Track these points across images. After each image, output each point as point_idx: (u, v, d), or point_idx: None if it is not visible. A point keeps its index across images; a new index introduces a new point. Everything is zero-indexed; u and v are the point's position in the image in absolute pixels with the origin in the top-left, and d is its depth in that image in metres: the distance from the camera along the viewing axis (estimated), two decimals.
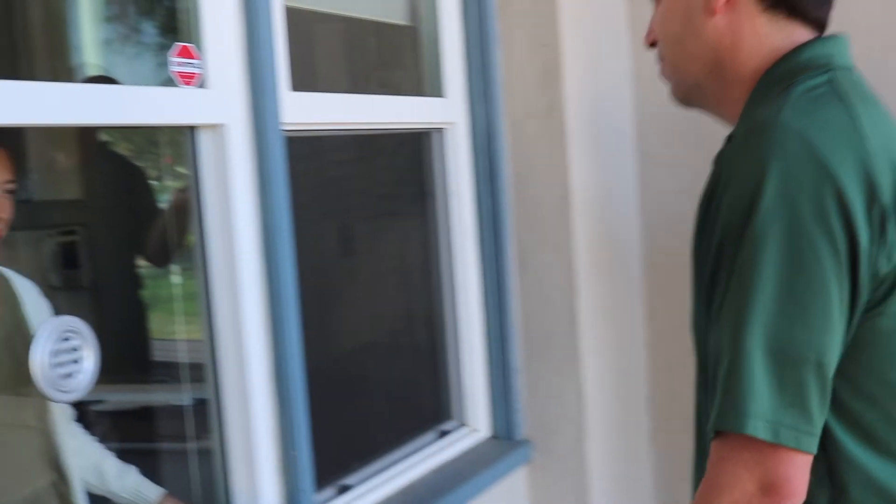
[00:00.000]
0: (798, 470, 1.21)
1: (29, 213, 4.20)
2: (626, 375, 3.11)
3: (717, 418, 1.23)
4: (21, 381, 1.93)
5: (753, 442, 1.21)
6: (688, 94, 1.45)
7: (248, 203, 2.14)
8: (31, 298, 2.21)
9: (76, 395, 1.96)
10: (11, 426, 2.11)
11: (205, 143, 2.12)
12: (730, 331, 1.23)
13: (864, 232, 1.21)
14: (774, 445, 1.20)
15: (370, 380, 2.73)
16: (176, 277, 3.21)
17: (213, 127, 2.11)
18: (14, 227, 4.41)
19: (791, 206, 1.20)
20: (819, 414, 1.23)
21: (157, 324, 3.77)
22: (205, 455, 2.30)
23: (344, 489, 2.51)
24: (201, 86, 2.06)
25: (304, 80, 2.37)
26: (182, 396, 2.63)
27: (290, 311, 2.18)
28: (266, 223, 2.16)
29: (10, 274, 2.21)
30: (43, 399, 1.98)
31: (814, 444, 1.23)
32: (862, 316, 1.26)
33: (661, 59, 1.50)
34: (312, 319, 2.37)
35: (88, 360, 1.97)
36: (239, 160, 2.13)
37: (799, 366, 1.21)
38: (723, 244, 1.26)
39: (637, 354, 3.14)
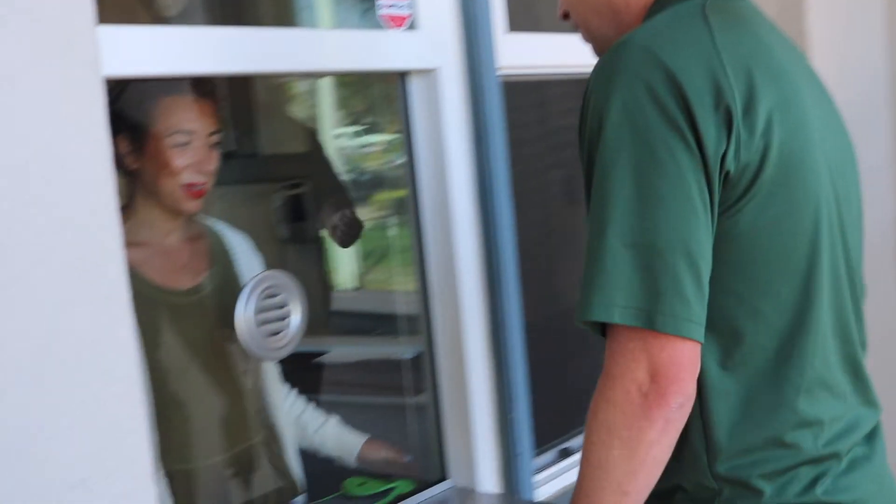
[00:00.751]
0: (683, 356, 1.23)
1: (258, 167, 4.28)
2: None
3: (580, 310, 1.25)
4: (231, 337, 1.91)
5: (637, 331, 1.23)
6: (603, 50, 1.45)
7: (462, 152, 2.06)
8: (243, 253, 2.19)
9: (281, 354, 1.93)
10: (223, 384, 2.11)
11: (416, 90, 2.04)
12: (593, 232, 1.26)
13: (710, 130, 1.23)
14: (655, 333, 1.22)
15: (592, 337, 2.59)
16: (393, 229, 3.18)
17: (424, 72, 2.03)
18: (244, 180, 4.50)
19: (639, 109, 1.24)
20: (697, 302, 1.24)
21: (375, 275, 3.76)
22: (421, 411, 2.25)
23: (565, 453, 2.42)
24: (411, 28, 1.97)
25: (523, 19, 2.26)
26: (400, 350, 2.58)
27: (508, 265, 2.08)
28: (482, 173, 2.06)
29: (221, 228, 2.20)
30: (252, 357, 1.95)
31: (696, 331, 1.23)
32: (721, 215, 1.27)
33: (576, 26, 1.56)
34: (532, 273, 2.26)
35: (295, 317, 1.92)
36: (452, 107, 2.04)
37: (665, 254, 1.22)
38: (589, 156, 1.31)
39: None
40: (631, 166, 1.24)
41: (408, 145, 2.07)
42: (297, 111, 4.49)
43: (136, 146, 1.99)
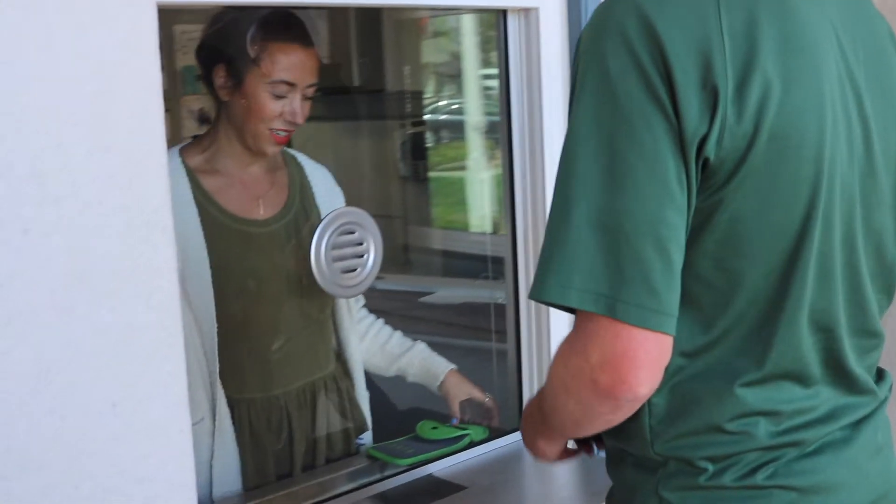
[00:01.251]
0: (641, 349, 1.14)
1: (382, 104, 4.29)
2: None
3: (535, 288, 1.17)
4: (305, 270, 1.90)
5: (596, 316, 1.14)
6: None
7: (559, 94, 1.99)
8: (323, 186, 2.18)
9: (354, 292, 1.91)
10: (294, 316, 2.11)
11: (514, 29, 1.98)
12: (557, 205, 1.17)
13: (692, 110, 1.12)
14: (613, 321, 1.13)
15: None
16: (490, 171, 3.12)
17: (524, 11, 1.96)
18: (370, 116, 4.50)
19: (621, 76, 1.14)
20: (667, 291, 1.13)
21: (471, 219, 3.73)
22: (502, 356, 2.21)
23: None
24: None
25: None
26: (492, 294, 2.55)
27: None
28: None
29: (303, 160, 2.19)
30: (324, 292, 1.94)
31: (664, 323, 1.13)
32: (698, 202, 1.16)
33: None
34: None
35: (371, 255, 1.90)
36: (552, 47, 1.98)
37: (634, 239, 1.12)
38: (568, 112, 1.22)
39: None
40: (606, 139, 1.14)
41: (504, 86, 2.01)
42: (442, 50, 4.46)
43: (234, 82, 1.99)
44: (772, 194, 1.17)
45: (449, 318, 3.30)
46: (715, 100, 1.12)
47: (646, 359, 1.15)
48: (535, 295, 1.18)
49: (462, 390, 2.21)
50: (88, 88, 1.15)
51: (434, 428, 2.08)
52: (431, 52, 4.55)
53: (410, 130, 4.36)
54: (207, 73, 2.04)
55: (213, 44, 2.06)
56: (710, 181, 1.16)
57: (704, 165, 1.14)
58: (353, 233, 1.89)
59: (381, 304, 3.03)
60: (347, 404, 2.21)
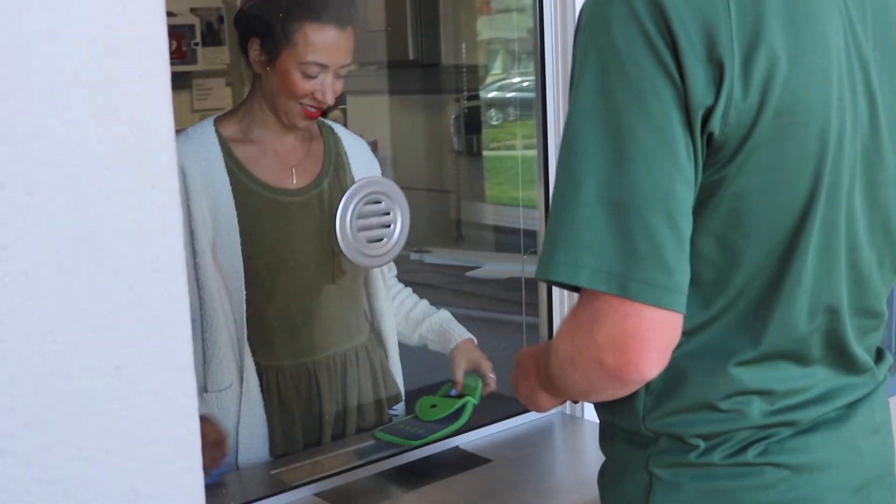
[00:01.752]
0: (653, 328, 1.11)
1: (436, 78, 4.27)
2: None
3: (543, 266, 1.15)
4: (336, 240, 1.90)
5: (605, 295, 1.11)
6: None
7: None
8: (360, 156, 2.18)
9: (381, 261, 1.91)
10: (325, 284, 2.12)
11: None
12: (564, 179, 1.14)
13: (699, 83, 1.09)
14: (624, 300, 1.10)
15: None
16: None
17: None
18: (423, 90, 4.50)
19: (628, 45, 1.10)
20: (679, 268, 1.11)
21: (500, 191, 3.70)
22: (533, 329, 2.20)
23: None
24: None
25: None
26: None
27: None
28: None
29: (340, 130, 2.20)
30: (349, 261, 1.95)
31: (676, 301, 1.11)
32: (703, 178, 1.14)
33: None
34: None
35: (398, 225, 1.89)
36: None
37: (645, 214, 1.09)
38: (571, 83, 1.18)
39: None
40: (612, 110, 1.11)
41: (539, 59, 1.99)
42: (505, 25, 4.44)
43: (267, 57, 2.00)
44: (776, 171, 1.14)
45: (495, 292, 3.28)
46: (721, 73, 1.10)
47: (657, 340, 1.13)
48: (542, 274, 1.16)
49: (469, 359, 2.19)
50: (94, 50, 1.15)
51: (433, 406, 2.06)
52: (500, 28, 4.52)
53: (465, 105, 4.34)
54: (244, 43, 2.05)
55: (249, 15, 2.07)
56: (714, 157, 1.13)
57: (709, 141, 1.12)
58: (379, 202, 1.88)
59: (427, 277, 3.03)
60: (381, 374, 2.22)
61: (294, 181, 2.07)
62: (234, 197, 2.00)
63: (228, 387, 1.99)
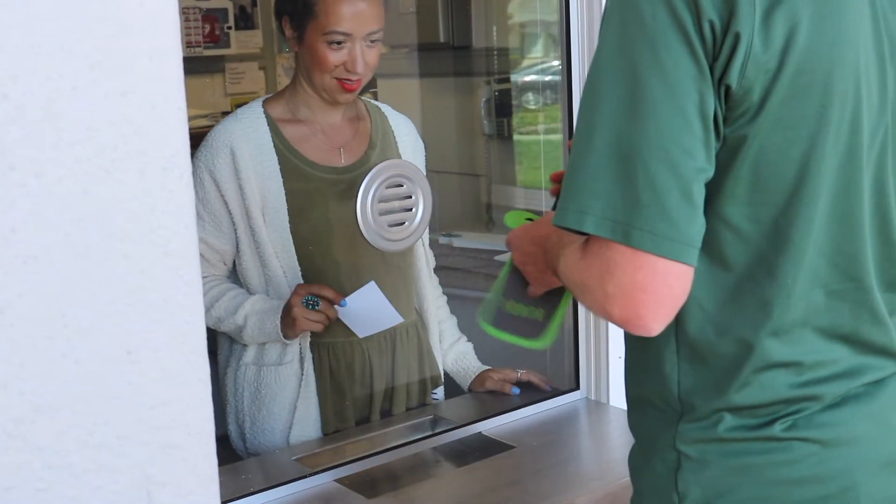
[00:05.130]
0: (660, 280, 1.12)
1: (467, 60, 4.24)
2: None
3: (557, 214, 1.17)
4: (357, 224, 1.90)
5: (613, 244, 1.13)
6: None
7: None
8: (407, 136, 2.20)
9: (401, 245, 1.89)
10: (377, 263, 2.13)
11: None
12: (581, 130, 1.16)
13: (717, 32, 1.10)
14: (636, 252, 1.12)
15: None
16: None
17: None
18: (454, 73, 4.46)
19: (648, 3, 1.12)
20: (686, 219, 1.12)
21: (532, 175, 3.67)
22: None
23: None
24: None
25: None
26: None
27: None
28: None
29: (387, 110, 2.20)
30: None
31: (683, 252, 1.12)
32: (726, 133, 1.15)
33: None
34: None
35: (419, 209, 1.88)
36: None
37: (650, 165, 1.11)
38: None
39: None
40: (630, 63, 1.13)
41: (564, 38, 1.96)
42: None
43: (298, 33, 2.01)
44: (792, 130, 1.14)
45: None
46: (738, 27, 1.10)
47: (666, 294, 1.14)
48: (556, 221, 1.18)
49: (484, 388, 2.25)
50: (105, 30, 1.13)
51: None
52: (533, 10, 4.49)
53: (496, 88, 4.31)
54: (280, 22, 2.07)
55: None
56: (734, 112, 1.14)
57: (727, 95, 1.13)
58: (401, 185, 1.87)
59: (457, 261, 3.00)
60: (426, 355, 2.24)
61: (342, 160, 2.09)
62: (283, 176, 2.03)
63: (289, 362, 2.04)
